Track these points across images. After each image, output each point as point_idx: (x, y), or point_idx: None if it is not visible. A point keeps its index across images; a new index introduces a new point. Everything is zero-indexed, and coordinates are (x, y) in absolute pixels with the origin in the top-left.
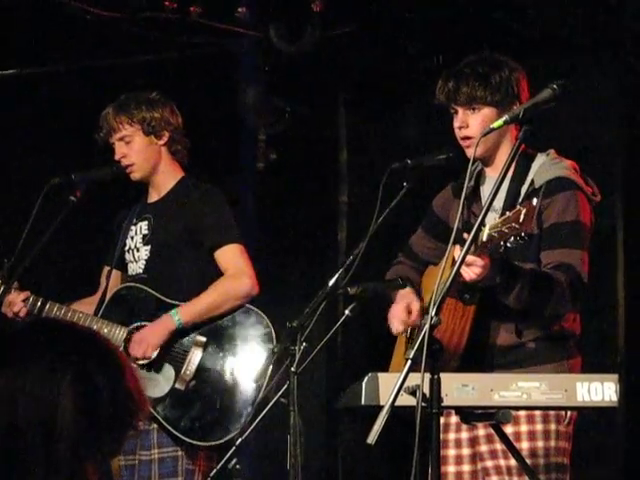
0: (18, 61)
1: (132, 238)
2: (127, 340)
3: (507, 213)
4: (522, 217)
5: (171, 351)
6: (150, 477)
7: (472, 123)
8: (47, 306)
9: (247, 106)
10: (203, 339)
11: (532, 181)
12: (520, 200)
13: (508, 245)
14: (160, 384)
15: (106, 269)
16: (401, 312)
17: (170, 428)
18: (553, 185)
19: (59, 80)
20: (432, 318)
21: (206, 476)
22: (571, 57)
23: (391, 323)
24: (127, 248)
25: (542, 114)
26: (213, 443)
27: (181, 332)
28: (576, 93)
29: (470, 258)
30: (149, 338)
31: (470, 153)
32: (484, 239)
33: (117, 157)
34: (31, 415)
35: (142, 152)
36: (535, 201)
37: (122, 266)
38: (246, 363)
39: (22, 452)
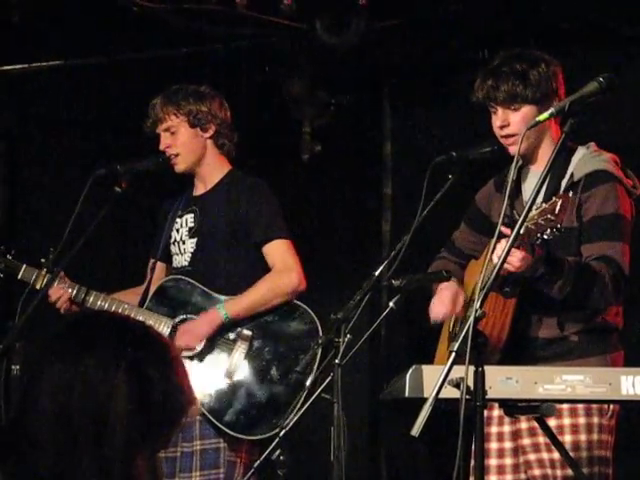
0: (65, 53)
1: (178, 230)
2: (172, 332)
3: (543, 205)
4: (557, 209)
5: (217, 344)
6: (191, 469)
7: (513, 121)
8: (92, 296)
9: (292, 98)
10: (249, 333)
11: (572, 174)
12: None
13: (545, 237)
14: (205, 377)
15: (151, 261)
16: (447, 301)
17: (215, 421)
18: (592, 178)
19: (104, 71)
20: (477, 310)
21: (247, 468)
22: (618, 49)
23: (433, 311)
24: (172, 240)
25: (588, 107)
26: (257, 437)
27: (227, 325)
28: (622, 85)
29: None
30: (195, 330)
31: (514, 150)
32: (521, 231)
33: (162, 147)
34: (85, 404)
35: (187, 144)
36: (571, 193)
37: (167, 258)
38: (291, 358)
39: (73, 442)
